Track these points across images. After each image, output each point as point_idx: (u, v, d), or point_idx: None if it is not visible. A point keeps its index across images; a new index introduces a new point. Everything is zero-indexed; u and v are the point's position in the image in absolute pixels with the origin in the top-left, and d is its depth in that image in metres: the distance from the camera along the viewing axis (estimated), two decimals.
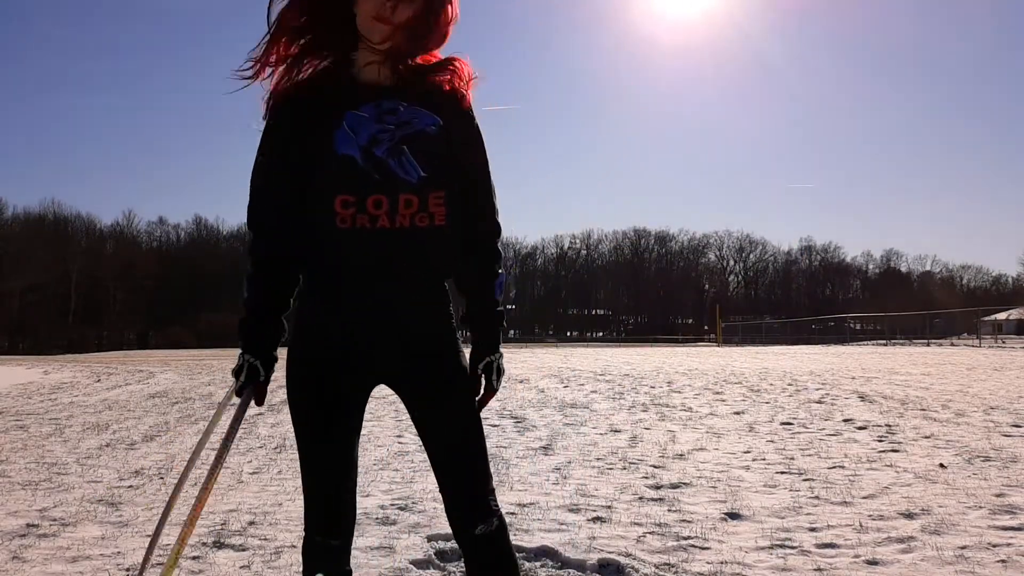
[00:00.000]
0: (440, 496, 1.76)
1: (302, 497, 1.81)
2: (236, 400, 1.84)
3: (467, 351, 1.77)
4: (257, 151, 1.72)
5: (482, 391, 1.75)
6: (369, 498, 4.14)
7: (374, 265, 1.63)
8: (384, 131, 1.64)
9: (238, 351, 1.78)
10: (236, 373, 1.78)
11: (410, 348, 1.67)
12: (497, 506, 1.75)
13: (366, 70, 1.70)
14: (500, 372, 1.77)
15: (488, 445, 5.73)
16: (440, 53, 1.76)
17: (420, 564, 3.06)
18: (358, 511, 4.14)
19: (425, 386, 1.71)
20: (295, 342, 1.79)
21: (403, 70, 1.70)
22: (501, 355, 1.77)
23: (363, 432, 6.98)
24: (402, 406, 8.14)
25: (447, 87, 1.72)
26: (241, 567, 3.00)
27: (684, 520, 3.63)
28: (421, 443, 1.78)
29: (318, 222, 1.64)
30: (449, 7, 1.69)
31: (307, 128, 1.66)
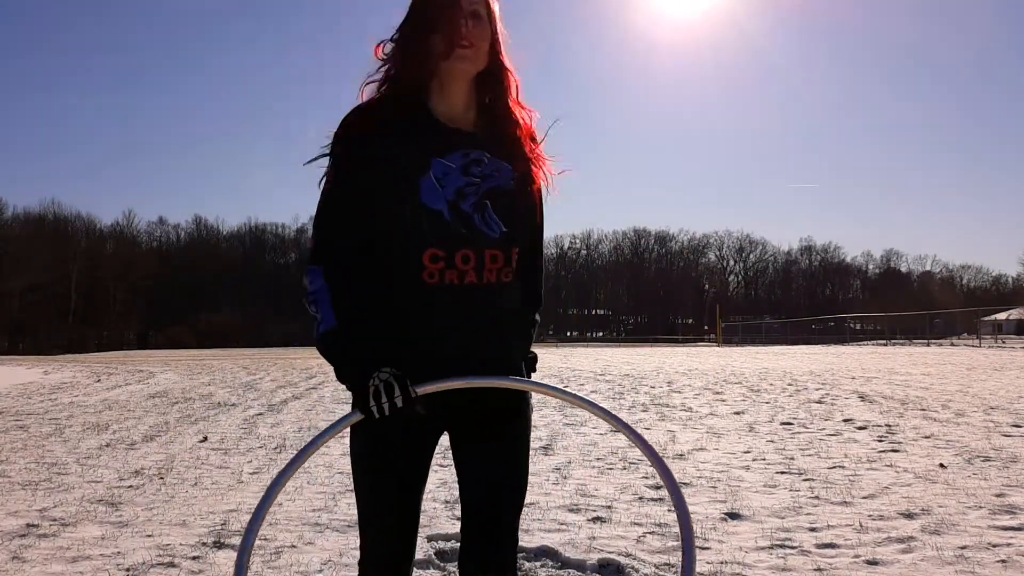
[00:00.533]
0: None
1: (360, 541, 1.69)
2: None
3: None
4: (326, 177, 1.64)
5: None
6: None
7: (459, 320, 1.59)
8: (470, 184, 1.61)
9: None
10: (376, 396, 1.50)
11: (485, 403, 1.63)
12: (515, 567, 1.71)
13: (448, 100, 1.66)
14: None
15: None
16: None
17: (420, 564, 3.06)
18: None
19: (486, 431, 1.67)
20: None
21: (482, 114, 1.69)
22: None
23: None
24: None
25: (522, 139, 1.71)
26: None
27: None
28: (457, 479, 1.73)
29: (402, 273, 1.58)
30: (500, 26, 1.67)
31: (388, 161, 1.60)
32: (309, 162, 1.67)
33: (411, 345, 1.59)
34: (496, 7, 1.67)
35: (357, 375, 1.51)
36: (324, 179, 1.64)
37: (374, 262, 1.60)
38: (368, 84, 1.69)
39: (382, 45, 1.69)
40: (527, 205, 1.70)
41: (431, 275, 1.57)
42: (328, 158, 1.64)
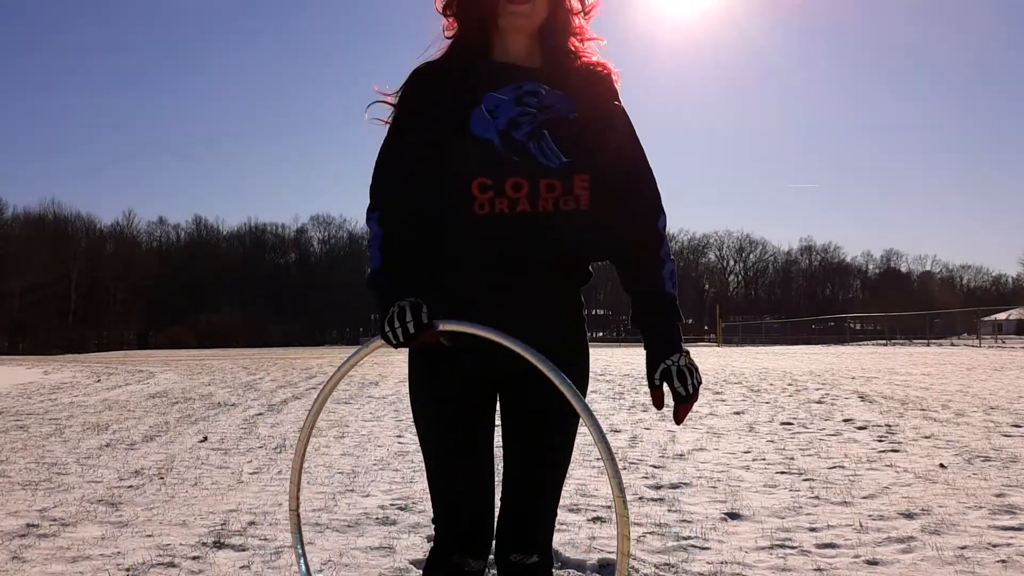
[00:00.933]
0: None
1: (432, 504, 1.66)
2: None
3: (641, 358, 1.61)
4: (388, 128, 1.67)
5: (670, 401, 1.55)
6: (369, 498, 4.15)
7: (513, 252, 1.56)
8: (525, 114, 1.59)
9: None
10: (391, 322, 1.47)
11: (538, 341, 1.49)
12: (548, 547, 1.68)
13: (509, 51, 1.65)
14: (689, 375, 1.55)
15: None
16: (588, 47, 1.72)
17: (420, 564, 3.06)
18: (358, 511, 4.15)
19: (534, 393, 1.60)
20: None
21: (547, 53, 1.66)
22: (685, 354, 1.57)
23: (363, 432, 6.99)
24: (402, 406, 8.09)
25: (591, 77, 1.68)
26: (241, 567, 3.00)
27: (684, 520, 3.63)
28: (502, 446, 1.67)
29: (453, 206, 1.56)
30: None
31: (442, 106, 1.60)
32: (372, 117, 1.69)
33: (467, 286, 1.57)
34: None
35: (381, 305, 1.50)
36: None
37: (430, 205, 1.59)
38: (432, 46, 1.70)
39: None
40: (596, 136, 1.63)
41: (481, 205, 1.54)
42: (392, 110, 1.67)
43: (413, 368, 1.66)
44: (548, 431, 1.65)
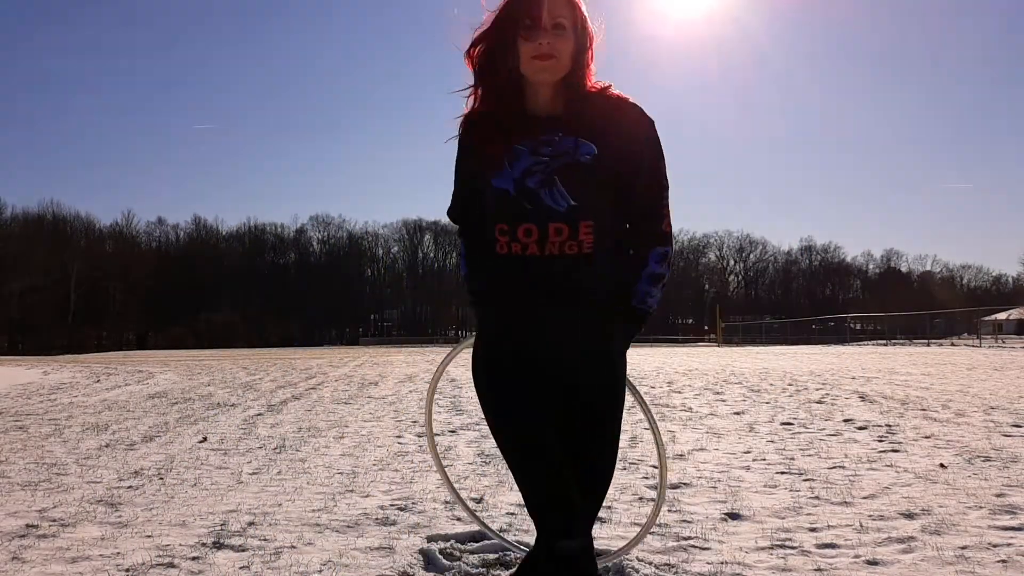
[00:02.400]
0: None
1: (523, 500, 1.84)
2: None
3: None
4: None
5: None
6: (369, 498, 4.14)
7: (523, 288, 1.82)
8: (538, 163, 1.79)
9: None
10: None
11: (568, 364, 1.82)
12: (590, 531, 1.88)
13: (536, 100, 1.85)
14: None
15: (488, 445, 5.72)
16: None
17: (420, 564, 3.06)
18: (357, 511, 4.14)
19: (579, 397, 1.86)
20: (480, 342, 1.93)
21: (568, 99, 1.84)
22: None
23: (363, 432, 7.00)
24: (401, 407, 8.11)
25: (616, 116, 1.86)
26: (241, 568, 2.99)
27: (684, 520, 3.63)
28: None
29: (488, 242, 1.88)
30: (589, 28, 1.84)
31: (478, 160, 1.88)
32: (448, 140, 1.97)
33: (502, 312, 1.88)
34: (584, 8, 1.83)
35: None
36: None
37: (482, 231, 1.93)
38: (466, 92, 1.94)
39: (473, 52, 1.88)
40: (609, 177, 1.82)
41: (501, 247, 1.83)
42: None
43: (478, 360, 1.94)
44: (598, 423, 1.89)
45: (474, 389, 1.93)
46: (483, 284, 1.89)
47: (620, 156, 1.83)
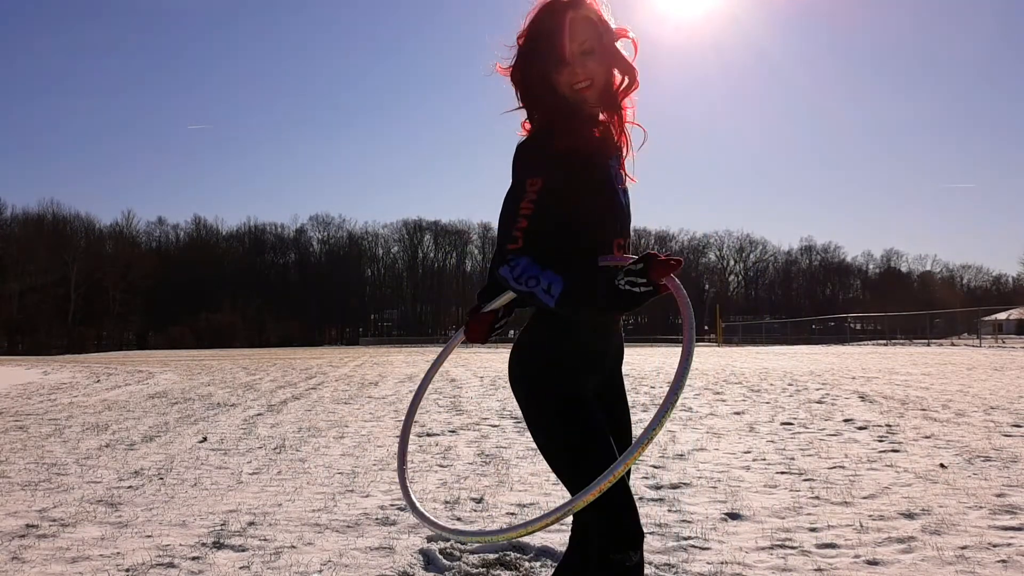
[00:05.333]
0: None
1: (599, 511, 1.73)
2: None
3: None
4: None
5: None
6: (369, 498, 4.14)
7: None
8: (619, 176, 1.87)
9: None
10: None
11: (615, 374, 1.96)
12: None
13: (587, 108, 1.85)
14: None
15: (488, 445, 5.72)
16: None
17: (420, 564, 3.06)
18: (357, 511, 4.14)
19: (618, 391, 1.96)
20: (551, 346, 1.86)
21: (604, 128, 1.89)
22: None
23: (363, 432, 6.98)
24: (401, 407, 8.08)
25: (625, 147, 1.93)
26: (241, 567, 2.99)
27: (684, 520, 3.62)
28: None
29: (584, 251, 1.83)
30: (616, 40, 1.84)
31: (591, 171, 1.83)
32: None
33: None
34: (602, 15, 1.83)
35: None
36: None
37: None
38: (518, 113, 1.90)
39: (516, 77, 1.87)
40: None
41: (606, 259, 1.87)
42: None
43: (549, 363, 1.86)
44: (625, 406, 1.96)
45: (535, 386, 1.82)
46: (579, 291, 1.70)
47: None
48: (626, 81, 1.88)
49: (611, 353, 1.90)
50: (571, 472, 1.76)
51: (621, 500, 1.73)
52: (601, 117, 1.90)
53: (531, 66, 1.81)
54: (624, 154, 1.93)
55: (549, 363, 1.80)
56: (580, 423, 1.76)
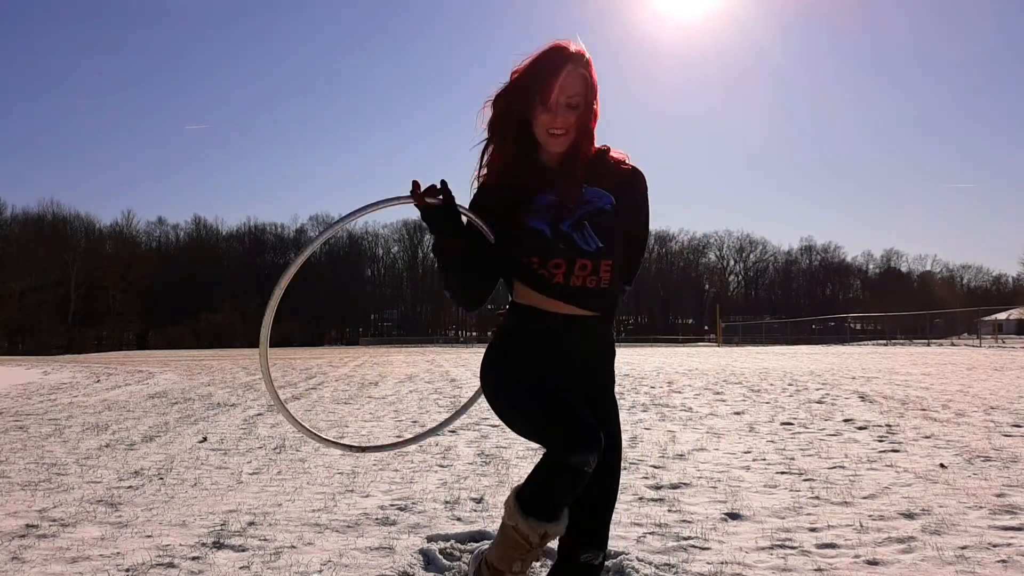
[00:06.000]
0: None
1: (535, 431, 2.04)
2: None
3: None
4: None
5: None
6: (369, 498, 4.14)
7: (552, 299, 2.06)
8: (566, 209, 2.02)
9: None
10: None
11: (585, 380, 2.09)
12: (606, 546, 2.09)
13: (548, 157, 2.07)
14: None
15: (488, 445, 5.73)
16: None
17: (420, 564, 3.06)
18: (357, 511, 4.14)
19: (599, 393, 2.13)
20: (508, 345, 2.13)
21: (579, 160, 2.05)
22: None
23: (363, 432, 6.98)
24: (401, 407, 8.06)
25: (626, 176, 2.11)
26: (241, 567, 3.00)
27: (684, 520, 3.63)
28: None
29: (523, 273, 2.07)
30: (596, 106, 2.04)
31: (508, 197, 2.06)
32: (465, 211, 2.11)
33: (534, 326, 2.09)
34: (595, 79, 2.02)
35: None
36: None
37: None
38: (483, 159, 2.13)
39: (496, 104, 2.07)
40: (624, 226, 2.08)
41: (525, 271, 2.09)
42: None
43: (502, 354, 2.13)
44: (614, 430, 2.11)
45: (487, 378, 2.14)
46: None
47: (630, 210, 2.09)
48: (583, 146, 2.05)
49: (567, 353, 2.06)
50: (527, 428, 2.07)
51: (544, 422, 1.97)
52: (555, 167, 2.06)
53: (518, 98, 2.01)
54: (579, 197, 2.05)
55: (497, 355, 2.12)
56: (512, 383, 2.05)
